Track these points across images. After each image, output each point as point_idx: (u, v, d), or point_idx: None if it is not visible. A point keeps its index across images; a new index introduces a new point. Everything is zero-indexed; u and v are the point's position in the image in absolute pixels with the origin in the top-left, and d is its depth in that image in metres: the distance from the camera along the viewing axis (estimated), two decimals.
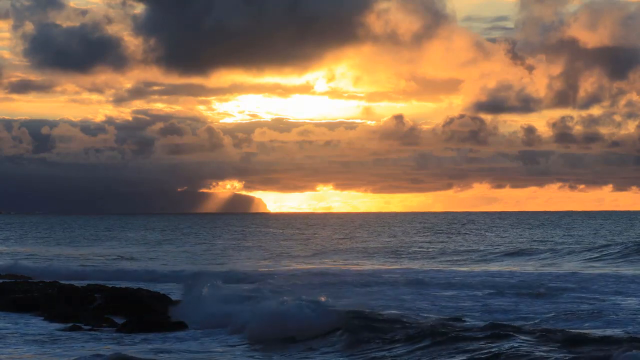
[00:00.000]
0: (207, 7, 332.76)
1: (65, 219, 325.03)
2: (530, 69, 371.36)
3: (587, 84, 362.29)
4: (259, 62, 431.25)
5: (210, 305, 34.21)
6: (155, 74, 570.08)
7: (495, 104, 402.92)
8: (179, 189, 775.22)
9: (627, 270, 59.78)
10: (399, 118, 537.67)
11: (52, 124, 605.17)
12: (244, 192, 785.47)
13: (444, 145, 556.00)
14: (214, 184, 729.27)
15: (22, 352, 26.98)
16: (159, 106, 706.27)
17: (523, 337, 25.54)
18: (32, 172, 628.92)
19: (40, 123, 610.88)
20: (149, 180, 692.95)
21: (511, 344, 24.34)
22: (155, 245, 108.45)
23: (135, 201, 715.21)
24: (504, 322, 31.06)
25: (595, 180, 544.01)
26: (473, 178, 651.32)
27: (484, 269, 62.15)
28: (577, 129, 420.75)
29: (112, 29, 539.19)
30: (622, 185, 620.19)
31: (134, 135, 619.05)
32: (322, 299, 32.58)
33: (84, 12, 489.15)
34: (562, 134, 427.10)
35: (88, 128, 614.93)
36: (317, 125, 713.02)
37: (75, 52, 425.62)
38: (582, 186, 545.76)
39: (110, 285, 44.03)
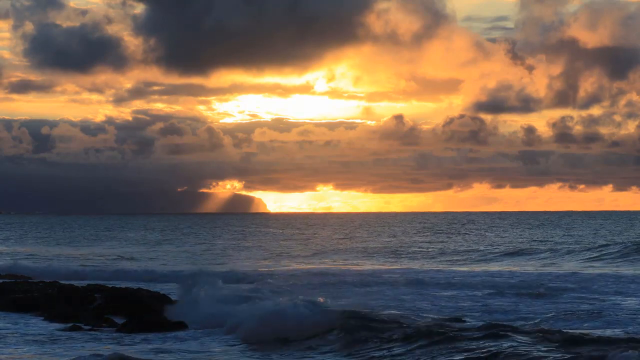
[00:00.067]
0: (207, 7, 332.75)
1: (65, 219, 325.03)
2: (530, 69, 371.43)
3: (587, 84, 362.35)
4: (259, 62, 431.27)
5: (207, 305, 34.22)
6: (155, 74, 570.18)
7: (495, 104, 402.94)
8: (179, 189, 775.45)
9: (627, 270, 59.80)
10: (399, 118, 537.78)
11: (52, 124, 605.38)
12: (244, 192, 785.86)
13: (444, 145, 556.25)
14: (214, 184, 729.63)
15: (22, 352, 26.99)
16: (159, 106, 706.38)
17: (521, 337, 25.55)
18: (32, 172, 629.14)
19: (40, 123, 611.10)
20: (149, 180, 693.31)
21: (509, 344, 24.36)
22: (155, 245, 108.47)
23: (135, 201, 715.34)
24: (503, 322, 31.08)
25: (595, 180, 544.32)
26: (473, 178, 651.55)
27: (484, 269, 62.17)
28: (577, 129, 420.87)
29: (112, 29, 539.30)
30: (622, 185, 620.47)
31: (134, 135, 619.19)
32: (320, 299, 32.60)
33: (84, 12, 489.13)
34: (562, 134, 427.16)
35: (88, 128, 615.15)
36: (317, 125, 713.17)
37: (75, 52, 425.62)
38: (582, 186, 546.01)
39: (110, 285, 44.05)
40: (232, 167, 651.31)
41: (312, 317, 29.23)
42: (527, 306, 38.52)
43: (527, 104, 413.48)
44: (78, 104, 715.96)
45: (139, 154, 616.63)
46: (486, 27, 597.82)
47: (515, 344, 24.50)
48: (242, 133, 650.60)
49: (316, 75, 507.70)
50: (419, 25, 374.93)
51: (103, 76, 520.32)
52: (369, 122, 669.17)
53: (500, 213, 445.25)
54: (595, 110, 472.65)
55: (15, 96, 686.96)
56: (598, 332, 28.71)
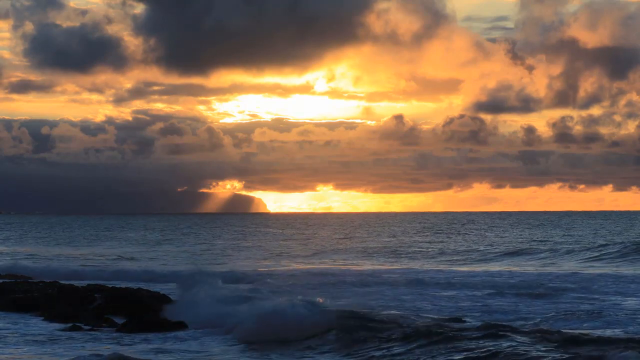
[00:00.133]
0: (207, 7, 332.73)
1: (65, 219, 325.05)
2: (530, 69, 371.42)
3: (587, 84, 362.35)
4: (259, 62, 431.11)
5: (206, 305, 34.23)
6: (155, 74, 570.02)
7: (495, 104, 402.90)
8: (179, 189, 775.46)
9: (627, 270, 59.83)
10: (399, 118, 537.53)
11: (52, 124, 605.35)
12: (244, 192, 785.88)
13: (444, 145, 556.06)
14: (214, 184, 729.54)
15: (22, 352, 27.00)
16: (159, 106, 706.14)
17: (520, 337, 25.56)
18: (32, 172, 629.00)
19: (40, 123, 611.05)
20: (149, 180, 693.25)
21: (508, 344, 24.36)
22: (155, 245, 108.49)
23: (135, 201, 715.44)
24: (502, 322, 31.10)
25: (595, 180, 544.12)
26: (473, 178, 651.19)
27: (484, 269, 62.19)
28: (577, 129, 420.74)
29: (112, 29, 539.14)
30: (622, 185, 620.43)
31: (134, 135, 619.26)
32: (319, 299, 32.59)
33: (84, 12, 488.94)
34: (562, 134, 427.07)
35: (88, 128, 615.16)
36: (317, 125, 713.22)
37: (75, 52, 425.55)
38: (582, 186, 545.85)
39: (110, 285, 44.04)
40: (232, 167, 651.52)
41: (311, 317, 29.24)
42: (527, 306, 38.53)
43: (527, 104, 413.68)
44: (78, 104, 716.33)
45: (139, 154, 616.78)
46: (486, 27, 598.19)
47: (514, 344, 24.51)
48: (242, 133, 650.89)
49: (316, 75, 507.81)
50: (419, 25, 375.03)
51: (103, 76, 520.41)
52: (369, 122, 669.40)
53: (500, 213, 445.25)
54: (595, 110, 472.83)
55: (15, 96, 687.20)
56: (598, 332, 28.73)
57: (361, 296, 42.90)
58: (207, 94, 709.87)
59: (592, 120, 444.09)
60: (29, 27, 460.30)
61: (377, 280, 51.41)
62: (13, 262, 71.11)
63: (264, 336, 28.52)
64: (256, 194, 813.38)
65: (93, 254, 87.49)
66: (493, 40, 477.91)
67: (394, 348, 25.95)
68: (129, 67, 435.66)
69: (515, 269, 62.38)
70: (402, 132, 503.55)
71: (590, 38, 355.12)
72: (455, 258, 77.26)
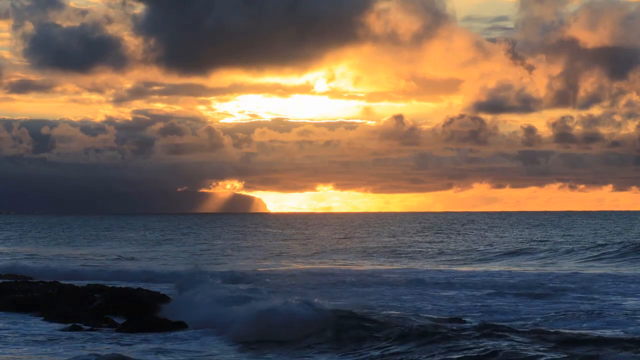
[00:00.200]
0: (207, 7, 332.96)
1: (65, 219, 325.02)
2: (530, 69, 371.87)
3: (587, 84, 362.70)
4: (259, 62, 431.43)
5: (204, 305, 34.25)
6: (155, 74, 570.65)
7: (495, 104, 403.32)
8: (179, 189, 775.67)
9: (626, 270, 59.84)
10: (399, 118, 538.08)
11: (52, 124, 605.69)
12: (244, 192, 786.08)
13: (444, 145, 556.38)
14: (214, 184, 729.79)
15: (22, 352, 27.01)
16: (159, 106, 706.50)
17: (519, 337, 25.56)
18: (32, 172, 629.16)
19: (40, 123, 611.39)
20: (149, 180, 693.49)
21: (505, 344, 24.34)
22: (155, 245, 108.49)
23: (135, 201, 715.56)
24: (500, 322, 31.10)
25: (595, 180, 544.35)
26: (473, 178, 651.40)
27: (483, 269, 62.21)
28: (577, 129, 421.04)
29: (112, 29, 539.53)
30: (622, 185, 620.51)
31: (134, 135, 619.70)
32: (315, 299, 32.58)
33: (84, 12, 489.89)
34: (562, 134, 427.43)
35: (88, 128, 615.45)
36: (317, 125, 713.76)
37: (75, 52, 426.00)
38: (582, 186, 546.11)
39: (110, 285, 44.05)
40: (232, 167, 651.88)
41: (307, 316, 29.24)
42: (526, 306, 38.54)
43: (527, 104, 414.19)
44: (78, 104, 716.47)
45: (139, 154, 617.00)
46: (486, 27, 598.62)
47: (512, 344, 24.50)
48: (242, 133, 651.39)
49: (316, 75, 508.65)
50: (419, 25, 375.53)
51: (103, 76, 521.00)
52: (369, 122, 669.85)
53: (500, 213, 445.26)
54: (595, 110, 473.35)
55: (15, 96, 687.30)
56: (597, 333, 28.74)
57: (361, 296, 42.91)
58: (207, 94, 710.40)
59: (592, 120, 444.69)
60: (29, 27, 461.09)
61: (377, 280, 51.42)
62: (13, 262, 71.15)
63: (261, 336, 28.54)
64: (256, 194, 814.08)
65: (93, 254, 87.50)
66: (493, 40, 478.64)
67: (392, 347, 25.95)
68: (129, 67, 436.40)
69: (515, 269, 62.41)
70: (402, 132, 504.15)
71: (590, 38, 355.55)
72: (455, 258, 77.26)
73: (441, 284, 49.72)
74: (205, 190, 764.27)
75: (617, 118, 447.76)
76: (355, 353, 26.16)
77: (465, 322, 31.38)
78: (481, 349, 23.98)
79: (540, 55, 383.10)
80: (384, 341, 26.78)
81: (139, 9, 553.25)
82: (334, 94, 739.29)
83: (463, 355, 23.78)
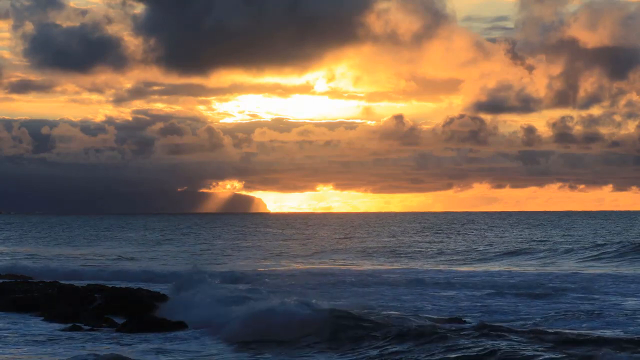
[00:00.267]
0: (207, 7, 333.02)
1: (65, 219, 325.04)
2: (530, 69, 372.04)
3: (587, 84, 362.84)
4: (259, 62, 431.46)
5: (202, 305, 34.26)
6: (155, 74, 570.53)
7: (495, 104, 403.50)
8: (179, 189, 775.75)
9: (626, 270, 59.86)
10: (399, 118, 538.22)
11: (52, 124, 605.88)
12: (244, 192, 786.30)
13: (444, 145, 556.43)
14: (214, 184, 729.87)
15: (22, 352, 27.01)
16: (159, 106, 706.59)
17: (517, 337, 25.55)
18: (32, 172, 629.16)
19: (40, 123, 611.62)
20: (149, 180, 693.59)
21: (503, 344, 24.33)
22: (155, 245, 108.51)
23: (135, 201, 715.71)
24: (501, 322, 31.13)
25: (595, 180, 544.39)
26: (473, 178, 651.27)
27: (483, 269, 62.23)
28: (577, 129, 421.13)
29: (112, 29, 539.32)
30: (622, 185, 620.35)
31: (134, 135, 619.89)
32: (313, 299, 32.59)
33: (84, 12, 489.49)
34: (562, 134, 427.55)
35: (88, 128, 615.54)
36: (317, 125, 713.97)
37: (75, 52, 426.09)
38: (582, 186, 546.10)
39: (110, 285, 44.07)
40: (232, 167, 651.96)
41: (306, 316, 29.25)
42: (526, 306, 38.55)
43: (527, 104, 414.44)
44: (78, 104, 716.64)
45: (139, 154, 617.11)
46: (486, 27, 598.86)
47: (511, 343, 24.49)
48: (242, 133, 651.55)
49: (316, 75, 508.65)
50: (419, 25, 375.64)
51: (103, 76, 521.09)
52: (369, 122, 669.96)
53: (500, 213, 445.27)
54: (595, 110, 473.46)
55: (15, 96, 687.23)
56: (597, 333, 28.76)
57: (361, 296, 42.92)
58: (207, 94, 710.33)
59: (592, 120, 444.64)
60: (29, 27, 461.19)
61: (377, 280, 51.43)
62: (13, 262, 71.17)
63: (259, 336, 28.55)
64: (256, 194, 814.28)
65: (93, 254, 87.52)
66: (493, 40, 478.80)
67: (390, 347, 25.94)
68: (129, 67, 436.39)
69: (515, 269, 62.43)
70: (402, 132, 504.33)
71: (590, 38, 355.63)
72: (455, 258, 77.28)
73: (441, 284, 49.73)
74: (205, 190, 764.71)
75: (617, 118, 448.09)
76: (354, 352, 26.17)
77: (465, 322, 31.38)
78: (480, 348, 23.99)
79: (540, 55, 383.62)
80: (382, 341, 26.76)
81: (139, 9, 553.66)
82: (334, 94, 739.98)
83: (461, 354, 23.78)
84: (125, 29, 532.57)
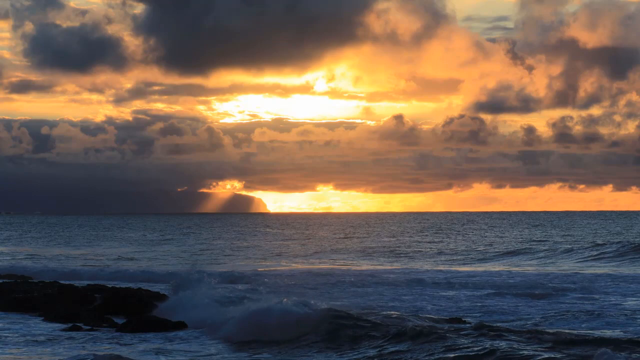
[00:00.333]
0: (207, 7, 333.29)
1: (65, 219, 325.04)
2: (530, 69, 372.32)
3: (587, 84, 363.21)
4: (259, 62, 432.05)
5: (200, 305, 34.26)
6: (155, 74, 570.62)
7: (495, 104, 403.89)
8: (179, 189, 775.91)
9: (626, 270, 59.86)
10: (398, 118, 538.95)
11: (52, 124, 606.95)
12: (244, 192, 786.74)
13: (444, 145, 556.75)
14: (214, 184, 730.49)
15: (22, 352, 27.01)
16: (159, 106, 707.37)
17: (515, 338, 25.54)
18: (32, 172, 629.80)
19: (40, 123, 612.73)
20: (149, 180, 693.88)
21: (501, 344, 24.32)
22: (155, 245, 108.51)
23: (135, 201, 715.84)
24: (500, 322, 31.14)
25: (595, 180, 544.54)
26: (473, 178, 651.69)
27: (483, 269, 62.25)
28: (577, 129, 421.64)
29: (112, 29, 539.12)
30: (622, 185, 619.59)
31: (134, 135, 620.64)
32: (311, 299, 32.58)
33: (84, 12, 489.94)
34: (562, 134, 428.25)
35: (88, 128, 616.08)
36: (317, 125, 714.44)
37: (75, 52, 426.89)
38: (582, 186, 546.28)
39: (110, 285, 44.09)
40: (232, 167, 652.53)
41: (304, 316, 29.25)
42: (526, 306, 38.57)
43: (527, 104, 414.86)
44: (78, 104, 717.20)
45: (139, 154, 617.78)
46: (486, 27, 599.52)
47: (509, 343, 24.48)
48: (242, 133, 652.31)
49: (316, 75, 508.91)
50: (418, 25, 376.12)
51: (103, 76, 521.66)
52: (369, 122, 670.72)
53: (500, 213, 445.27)
54: (595, 110, 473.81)
55: (15, 96, 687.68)
56: (597, 333, 28.77)
57: (360, 296, 42.93)
58: (207, 94, 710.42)
59: (592, 120, 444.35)
60: (29, 27, 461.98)
61: (377, 281, 51.43)
62: (13, 262, 71.19)
63: (257, 336, 28.57)
64: (256, 194, 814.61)
65: (93, 254, 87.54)
66: (493, 40, 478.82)
67: (389, 347, 25.94)
68: (129, 67, 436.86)
69: (514, 269, 62.44)
70: (402, 132, 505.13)
71: (590, 38, 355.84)
72: (455, 258, 77.28)
73: (441, 284, 49.74)
74: (205, 190, 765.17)
75: (617, 118, 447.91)
76: (353, 352, 26.18)
77: (465, 322, 31.39)
78: (479, 348, 23.99)
79: (540, 55, 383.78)
80: (381, 340, 26.75)
81: (139, 9, 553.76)
82: (334, 94, 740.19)
83: (460, 354, 23.79)
84: (125, 29, 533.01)
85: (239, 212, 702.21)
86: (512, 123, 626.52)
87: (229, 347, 28.12)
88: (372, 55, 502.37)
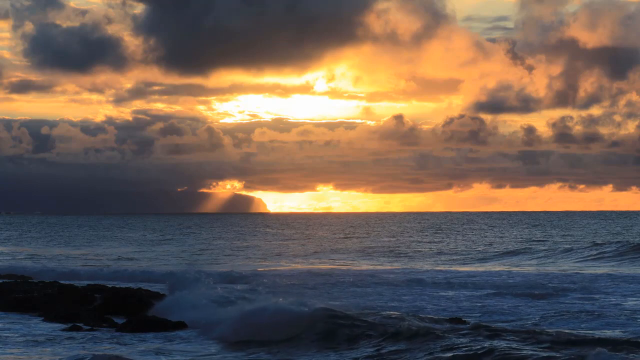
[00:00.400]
0: (207, 7, 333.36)
1: (65, 219, 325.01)
2: (530, 69, 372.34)
3: (587, 84, 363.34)
4: (259, 62, 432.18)
5: (194, 304, 34.27)
6: (155, 74, 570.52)
7: (495, 104, 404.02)
8: (179, 189, 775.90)
9: (626, 270, 59.86)
10: (398, 118, 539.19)
11: (52, 124, 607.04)
12: (244, 192, 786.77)
13: (444, 145, 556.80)
14: (214, 184, 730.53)
15: (22, 352, 27.02)
16: (159, 106, 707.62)
17: (513, 337, 25.55)
18: (32, 172, 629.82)
19: (40, 123, 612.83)
20: (149, 180, 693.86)
21: (499, 344, 24.31)
22: (155, 246, 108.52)
23: (135, 201, 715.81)
24: (499, 322, 31.14)
25: (595, 180, 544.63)
26: (473, 178, 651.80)
27: (483, 269, 62.26)
28: (577, 129, 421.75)
29: (112, 29, 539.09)
30: (622, 185, 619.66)
31: (134, 135, 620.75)
32: (309, 298, 32.58)
33: (84, 12, 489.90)
34: (562, 134, 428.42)
35: (88, 128, 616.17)
36: (317, 125, 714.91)
37: (75, 52, 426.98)
38: (582, 186, 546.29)
39: (110, 285, 44.10)
40: (232, 167, 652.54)
41: (301, 316, 29.25)
42: (526, 306, 38.57)
43: (527, 104, 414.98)
44: (78, 104, 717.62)
45: (139, 154, 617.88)
46: (486, 27, 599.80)
47: (507, 343, 24.48)
48: (242, 133, 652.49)
49: (316, 75, 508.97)
50: (418, 25, 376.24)
51: (103, 76, 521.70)
52: (369, 122, 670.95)
53: (500, 213, 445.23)
54: (595, 110, 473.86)
55: (15, 96, 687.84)
56: (596, 333, 28.79)
57: (360, 296, 42.94)
58: (207, 94, 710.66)
59: (592, 120, 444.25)
60: (29, 27, 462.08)
61: (376, 281, 51.43)
62: (13, 262, 71.19)
63: (255, 335, 28.58)
64: (256, 194, 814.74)
65: (93, 254, 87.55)
66: (493, 40, 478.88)
67: (387, 346, 25.94)
68: (129, 67, 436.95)
69: (514, 269, 62.45)
70: (402, 132, 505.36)
71: (590, 38, 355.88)
72: (454, 258, 77.29)
73: (441, 284, 49.73)
74: (205, 190, 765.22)
75: (617, 118, 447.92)
76: (351, 351, 26.19)
77: (464, 322, 31.40)
78: (478, 347, 24.00)
79: (540, 55, 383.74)
80: (379, 340, 26.75)
81: (139, 9, 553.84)
82: (334, 94, 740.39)
83: (457, 354, 23.79)
84: (125, 29, 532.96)
85: (239, 212, 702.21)
86: (512, 123, 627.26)
87: (228, 346, 28.13)
88: (372, 55, 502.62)
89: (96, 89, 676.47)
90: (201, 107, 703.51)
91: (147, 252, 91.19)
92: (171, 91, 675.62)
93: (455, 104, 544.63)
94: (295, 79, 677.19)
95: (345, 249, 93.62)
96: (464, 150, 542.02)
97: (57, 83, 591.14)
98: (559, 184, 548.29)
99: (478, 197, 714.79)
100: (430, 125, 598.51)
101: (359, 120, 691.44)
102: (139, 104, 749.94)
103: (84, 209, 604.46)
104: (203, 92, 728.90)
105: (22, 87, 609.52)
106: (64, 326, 32.16)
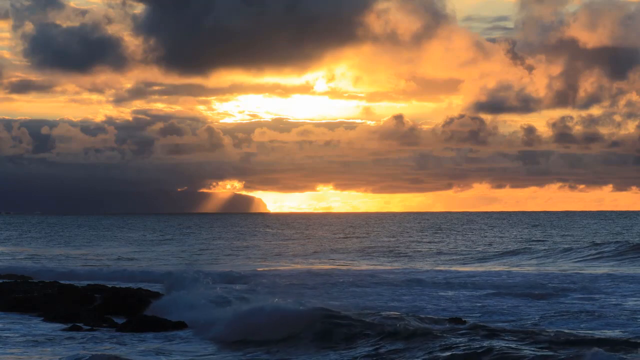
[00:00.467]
0: (207, 7, 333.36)
1: (65, 219, 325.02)
2: (530, 69, 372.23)
3: (587, 84, 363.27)
4: (259, 62, 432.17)
5: (192, 304, 34.28)
6: (155, 74, 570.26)
7: (495, 104, 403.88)
8: (179, 189, 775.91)
9: (626, 270, 59.87)
10: (398, 118, 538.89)
11: (52, 124, 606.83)
12: (244, 192, 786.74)
13: (444, 145, 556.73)
14: (214, 184, 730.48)
15: (22, 352, 27.03)
16: (159, 106, 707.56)
17: (512, 337, 25.54)
18: (32, 172, 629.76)
19: (40, 123, 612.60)
20: (149, 180, 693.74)
21: (498, 344, 24.31)
22: (155, 246, 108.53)
23: (135, 201, 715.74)
24: (499, 323, 31.14)
25: (595, 180, 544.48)
26: (473, 178, 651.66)
27: (483, 269, 62.27)
28: (577, 129, 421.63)
29: (112, 29, 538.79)
30: (622, 185, 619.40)
31: (134, 135, 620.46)
32: (308, 299, 32.57)
33: (84, 12, 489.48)
34: (562, 134, 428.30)
35: (88, 128, 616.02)
36: (317, 125, 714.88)
37: (75, 52, 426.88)
38: (582, 186, 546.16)
39: (110, 285, 44.11)
40: (232, 167, 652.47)
41: (299, 316, 29.24)
42: (526, 306, 38.58)
43: (527, 104, 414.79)
44: (78, 104, 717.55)
45: (139, 154, 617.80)
46: (486, 27, 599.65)
47: (506, 343, 24.48)
48: (242, 133, 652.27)
49: (316, 75, 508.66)
50: (418, 25, 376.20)
51: (103, 76, 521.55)
52: (369, 122, 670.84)
53: (500, 213, 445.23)
54: (595, 110, 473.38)
55: (15, 96, 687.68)
56: (596, 333, 28.80)
57: (359, 296, 42.94)
58: (207, 94, 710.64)
59: (592, 120, 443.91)
60: (29, 27, 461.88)
61: (376, 281, 51.43)
62: (13, 262, 71.20)
63: (254, 335, 28.58)
64: (256, 194, 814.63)
65: (93, 254, 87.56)
66: (493, 40, 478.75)
67: (384, 345, 25.94)
68: (129, 67, 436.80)
69: (514, 269, 62.46)
70: (402, 132, 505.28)
71: (590, 38, 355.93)
72: (454, 258, 77.30)
73: (440, 284, 49.74)
74: (205, 190, 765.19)
75: (617, 118, 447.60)
76: (349, 350, 26.19)
77: (464, 322, 31.41)
78: (476, 346, 24.01)
79: (540, 55, 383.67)
80: (376, 339, 26.73)
81: (139, 9, 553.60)
82: (334, 94, 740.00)
83: (455, 353, 23.79)
84: (125, 29, 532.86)
85: (239, 212, 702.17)
86: (512, 123, 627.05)
87: (225, 346, 28.13)
88: (372, 55, 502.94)
89: (96, 89, 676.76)
90: (201, 107, 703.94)
91: (147, 252, 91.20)
92: (171, 91, 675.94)
93: (455, 104, 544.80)
94: (295, 79, 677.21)
95: (345, 249, 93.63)
96: (464, 150, 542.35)
97: (57, 83, 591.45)
98: (559, 184, 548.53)
99: (478, 197, 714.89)
100: (430, 125, 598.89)
101: (359, 120, 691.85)
102: (139, 104, 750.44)
103: (84, 209, 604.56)
104: (203, 92, 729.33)
105: (22, 87, 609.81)
106: (64, 326, 32.17)
